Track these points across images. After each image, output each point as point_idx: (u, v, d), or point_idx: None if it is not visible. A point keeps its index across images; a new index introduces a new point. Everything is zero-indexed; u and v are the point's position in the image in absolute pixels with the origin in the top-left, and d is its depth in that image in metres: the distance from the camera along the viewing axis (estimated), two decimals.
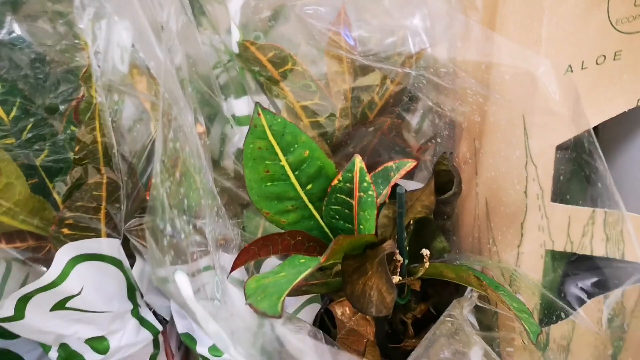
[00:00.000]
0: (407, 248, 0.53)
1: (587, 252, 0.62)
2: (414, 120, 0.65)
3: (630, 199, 0.67)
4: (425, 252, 0.49)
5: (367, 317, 0.53)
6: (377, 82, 0.61)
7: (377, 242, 0.48)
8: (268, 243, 0.48)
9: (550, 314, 0.63)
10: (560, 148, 0.55)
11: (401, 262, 0.51)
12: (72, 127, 0.58)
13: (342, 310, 0.52)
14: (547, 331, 0.66)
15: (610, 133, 0.69)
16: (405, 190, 0.48)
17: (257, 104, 0.48)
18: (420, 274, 0.50)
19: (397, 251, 0.51)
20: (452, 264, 0.54)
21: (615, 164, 0.68)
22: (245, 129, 0.62)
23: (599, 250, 0.62)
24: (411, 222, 0.53)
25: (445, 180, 0.51)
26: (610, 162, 0.68)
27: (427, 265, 0.49)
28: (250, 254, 0.48)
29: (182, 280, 0.45)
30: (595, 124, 0.54)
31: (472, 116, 0.56)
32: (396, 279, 0.50)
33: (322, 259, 0.42)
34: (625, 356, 0.73)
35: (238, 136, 0.68)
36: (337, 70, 0.60)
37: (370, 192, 0.51)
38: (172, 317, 0.78)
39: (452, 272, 0.50)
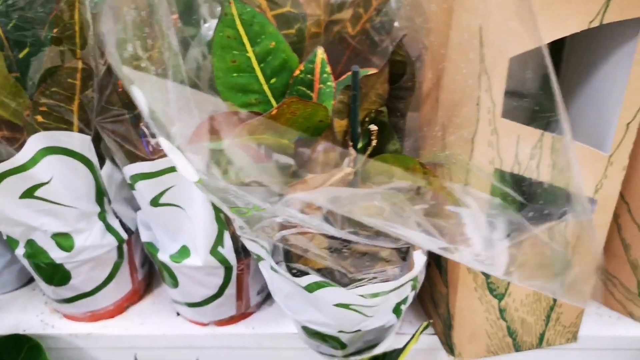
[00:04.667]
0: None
1: (534, 177, 0.65)
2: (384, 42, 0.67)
3: (585, 133, 0.70)
4: (372, 127, 0.51)
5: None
6: None
7: (329, 122, 0.51)
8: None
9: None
10: (513, 60, 0.57)
11: (354, 155, 0.53)
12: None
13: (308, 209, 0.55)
14: None
15: (572, 66, 0.72)
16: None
17: None
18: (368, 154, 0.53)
19: (351, 144, 0.53)
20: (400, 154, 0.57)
21: (575, 98, 0.71)
22: None
23: (545, 176, 0.65)
24: (366, 119, 0.56)
25: (400, 73, 0.54)
26: (570, 96, 0.71)
27: (374, 142, 0.52)
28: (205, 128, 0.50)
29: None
30: (549, 41, 0.57)
31: (437, 34, 0.58)
32: (348, 170, 0.53)
33: (273, 110, 0.45)
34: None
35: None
36: None
37: (329, 83, 0.54)
38: (138, 235, 0.80)
39: (399, 162, 0.52)
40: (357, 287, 0.58)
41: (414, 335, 0.73)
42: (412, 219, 0.47)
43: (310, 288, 0.61)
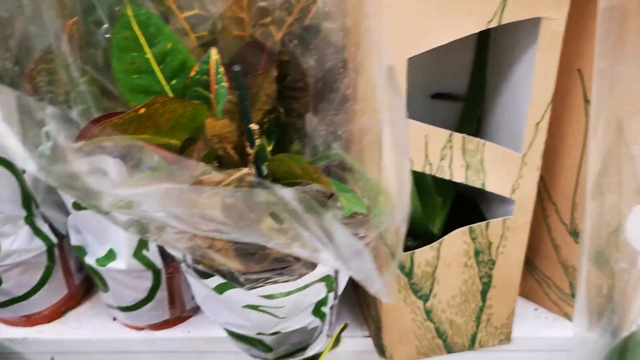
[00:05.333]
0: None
1: (447, 177, 0.65)
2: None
3: (505, 133, 0.70)
4: (253, 126, 0.51)
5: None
6: None
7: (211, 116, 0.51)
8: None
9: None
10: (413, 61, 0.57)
11: (252, 153, 0.53)
12: None
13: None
14: (410, 256, 0.69)
15: (495, 66, 0.72)
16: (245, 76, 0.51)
17: None
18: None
19: (248, 144, 0.53)
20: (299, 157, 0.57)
21: (497, 98, 0.71)
22: None
23: (459, 177, 0.65)
24: (265, 120, 0.56)
25: (289, 72, 0.54)
26: (494, 95, 0.71)
27: (258, 142, 0.51)
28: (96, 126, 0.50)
29: None
30: (445, 42, 0.57)
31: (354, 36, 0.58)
32: (245, 170, 0.53)
33: (140, 109, 0.45)
34: (494, 293, 0.76)
35: None
36: None
37: (223, 84, 0.54)
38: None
39: (299, 166, 0.52)
40: (254, 287, 0.57)
41: (333, 337, 0.72)
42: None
43: (220, 289, 0.61)
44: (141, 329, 0.84)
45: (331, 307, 0.72)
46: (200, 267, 0.58)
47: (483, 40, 0.73)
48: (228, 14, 0.58)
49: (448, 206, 0.78)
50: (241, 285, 0.57)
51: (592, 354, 0.77)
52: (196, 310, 0.87)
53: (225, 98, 0.53)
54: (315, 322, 0.70)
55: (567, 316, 0.84)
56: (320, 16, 0.60)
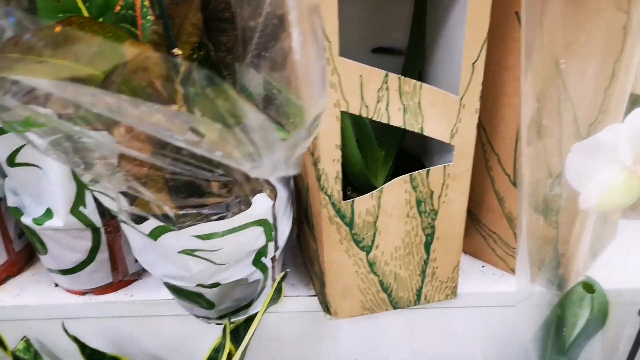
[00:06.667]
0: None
1: (385, 120, 0.64)
2: None
3: (443, 77, 0.69)
4: (176, 51, 0.50)
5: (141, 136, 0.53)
6: None
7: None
8: None
9: None
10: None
11: (180, 90, 0.52)
12: None
13: (117, 132, 0.53)
14: (351, 204, 0.68)
15: (435, 15, 0.71)
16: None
17: None
18: None
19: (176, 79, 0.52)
20: None
21: (438, 39, 0.70)
22: None
23: (396, 120, 0.64)
24: (193, 54, 0.54)
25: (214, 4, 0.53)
26: (435, 37, 0.71)
27: (183, 68, 0.50)
28: None
29: None
30: None
31: None
32: (174, 107, 0.51)
33: (55, 26, 0.43)
34: (438, 246, 0.75)
35: None
36: None
37: (149, 17, 0.53)
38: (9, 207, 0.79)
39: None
40: (187, 226, 0.56)
41: (274, 286, 0.72)
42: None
43: (155, 234, 0.60)
44: (83, 293, 0.82)
45: (273, 261, 0.71)
46: (135, 210, 0.57)
47: None
48: None
49: (391, 161, 0.77)
50: (174, 224, 0.56)
51: (536, 308, 0.76)
52: (139, 274, 0.85)
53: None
54: (257, 274, 0.69)
55: (514, 271, 0.84)
56: None
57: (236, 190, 0.57)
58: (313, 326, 0.86)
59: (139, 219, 0.59)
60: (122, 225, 0.65)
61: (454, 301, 0.82)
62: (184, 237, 0.58)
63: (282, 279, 0.71)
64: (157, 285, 0.85)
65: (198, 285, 0.66)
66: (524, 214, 0.68)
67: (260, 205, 0.60)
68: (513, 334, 0.84)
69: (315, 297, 0.82)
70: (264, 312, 0.70)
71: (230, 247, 0.61)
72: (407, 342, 0.89)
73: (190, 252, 0.60)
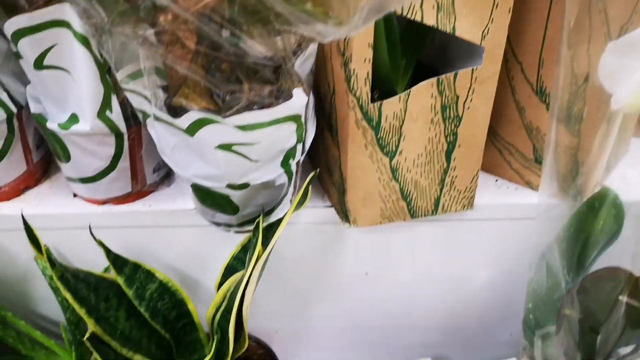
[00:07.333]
0: None
1: (418, 18, 0.64)
2: None
3: None
4: None
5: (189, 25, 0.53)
6: None
7: None
8: None
9: None
10: None
11: None
12: None
13: (164, 17, 0.53)
14: (378, 107, 0.68)
15: None
16: None
17: None
18: None
19: None
20: None
21: None
22: None
23: (429, 19, 0.65)
24: None
25: None
26: None
27: None
28: None
29: None
30: None
31: None
32: None
33: None
34: (459, 154, 0.76)
35: None
36: None
37: None
38: (29, 114, 0.79)
39: None
40: (233, 115, 0.57)
41: (302, 189, 0.72)
42: None
43: (192, 129, 0.60)
44: (102, 203, 0.83)
45: (297, 166, 0.72)
46: (177, 101, 0.57)
47: None
48: None
49: (411, 70, 0.78)
50: (219, 112, 0.56)
51: (555, 219, 0.78)
52: (157, 185, 0.86)
53: None
54: (283, 177, 0.70)
55: (529, 184, 0.85)
56: None
57: (282, 79, 0.58)
58: (326, 238, 0.87)
59: (177, 112, 0.59)
60: (152, 126, 0.65)
61: (470, 213, 0.83)
62: (225, 130, 0.58)
63: (312, 179, 0.72)
64: (175, 196, 0.85)
65: (228, 186, 0.67)
66: (553, 123, 0.69)
67: (299, 99, 0.61)
68: (525, 249, 0.85)
69: (330, 209, 0.83)
70: (292, 212, 0.71)
71: (266, 142, 0.62)
72: (419, 257, 0.91)
73: (228, 147, 0.61)
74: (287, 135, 0.64)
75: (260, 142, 0.61)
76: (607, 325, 0.71)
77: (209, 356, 0.71)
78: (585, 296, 0.72)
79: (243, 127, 0.59)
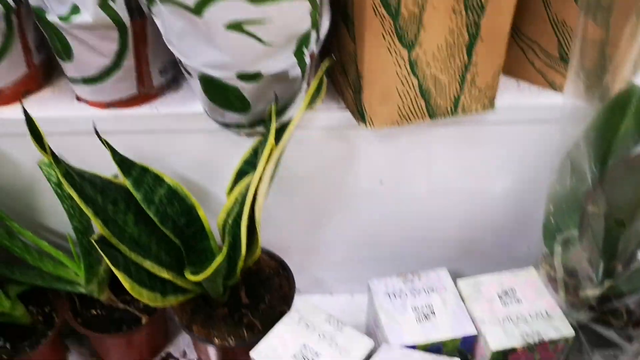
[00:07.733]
0: None
1: None
2: None
3: None
4: None
5: None
6: None
7: None
8: None
9: None
10: None
11: None
12: None
13: None
14: None
15: None
16: None
17: None
18: None
19: None
20: None
21: None
22: None
23: None
24: None
25: None
26: None
27: None
28: None
29: None
30: None
31: None
32: None
33: None
34: (480, 49, 0.72)
35: None
36: None
37: None
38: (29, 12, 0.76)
39: None
40: None
41: (317, 76, 0.69)
42: None
43: (199, 7, 0.57)
44: (107, 105, 0.79)
45: (311, 58, 0.68)
46: None
47: None
48: None
49: None
50: None
51: (581, 121, 0.74)
52: (164, 89, 0.82)
53: None
54: (296, 69, 0.67)
55: (553, 85, 0.81)
56: None
57: None
58: (340, 146, 0.84)
59: None
60: (158, 12, 0.62)
61: (490, 115, 0.79)
62: (234, 4, 0.55)
63: (327, 68, 0.68)
64: (183, 101, 0.82)
65: (239, 76, 0.63)
66: (582, 16, 0.65)
67: None
68: (546, 156, 0.82)
69: (345, 112, 0.80)
70: (307, 104, 0.68)
71: (279, 20, 0.58)
72: (436, 165, 0.87)
73: (238, 26, 0.57)
74: (300, 16, 0.61)
75: (272, 19, 0.58)
76: (633, 216, 0.68)
77: (218, 259, 0.68)
78: (612, 186, 0.69)
79: (253, 0, 0.55)
